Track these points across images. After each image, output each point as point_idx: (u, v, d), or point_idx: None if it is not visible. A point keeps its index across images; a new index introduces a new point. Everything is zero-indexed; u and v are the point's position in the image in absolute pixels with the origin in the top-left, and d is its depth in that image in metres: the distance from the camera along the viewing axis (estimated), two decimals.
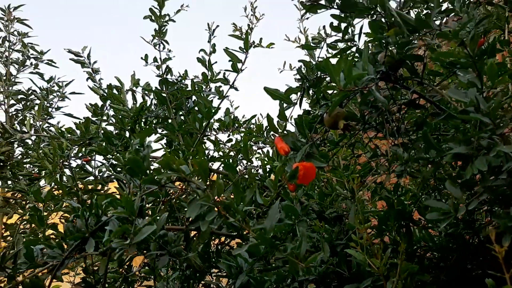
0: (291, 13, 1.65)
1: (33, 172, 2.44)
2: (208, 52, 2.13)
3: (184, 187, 1.17)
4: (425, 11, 1.47)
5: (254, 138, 2.03)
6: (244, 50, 1.48)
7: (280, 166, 1.11)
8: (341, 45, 1.44)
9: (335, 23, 1.38)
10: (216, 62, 2.11)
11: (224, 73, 1.54)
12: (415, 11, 1.47)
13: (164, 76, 1.78)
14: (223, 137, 2.17)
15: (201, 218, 0.91)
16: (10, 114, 3.31)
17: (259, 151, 2.32)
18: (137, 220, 1.02)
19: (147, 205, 1.41)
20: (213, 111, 1.52)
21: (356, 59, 1.52)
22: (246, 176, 1.72)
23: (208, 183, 0.97)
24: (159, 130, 2.24)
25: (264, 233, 0.85)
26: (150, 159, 1.08)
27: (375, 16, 1.30)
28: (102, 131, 2.28)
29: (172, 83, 1.70)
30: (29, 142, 2.75)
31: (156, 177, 1.00)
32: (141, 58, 1.83)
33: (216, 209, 0.88)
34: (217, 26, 2.14)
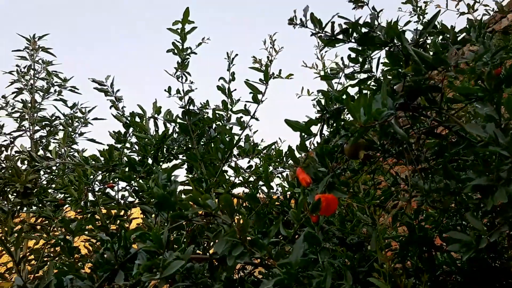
0: (308, 40, 1.69)
1: (58, 198, 2.50)
2: (227, 80, 2.18)
3: (209, 220, 1.21)
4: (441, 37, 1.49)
5: (273, 164, 2.06)
6: (264, 82, 1.52)
7: (302, 198, 1.14)
8: (359, 75, 1.48)
9: (353, 54, 1.41)
10: (235, 89, 2.17)
11: (245, 105, 1.59)
12: (431, 40, 1.49)
13: (187, 107, 1.83)
14: (243, 162, 2.21)
15: (228, 253, 0.94)
16: (35, 140, 3.40)
17: (279, 175, 2.35)
18: (165, 254, 1.05)
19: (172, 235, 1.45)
20: (235, 142, 1.56)
21: (373, 87, 1.55)
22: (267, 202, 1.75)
23: (233, 217, 1.00)
24: (180, 156, 2.29)
25: (290, 268, 0.88)
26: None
27: (392, 48, 1.33)
28: (126, 158, 2.33)
29: (194, 114, 1.75)
30: (54, 168, 2.83)
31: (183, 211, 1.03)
32: (165, 90, 1.89)
33: (242, 245, 0.91)
34: (236, 55, 2.20)
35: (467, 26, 1.49)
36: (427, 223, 1.71)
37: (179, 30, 1.79)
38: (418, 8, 2.43)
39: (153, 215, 1.36)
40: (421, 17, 2.42)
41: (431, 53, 1.26)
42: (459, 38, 1.43)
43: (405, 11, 2.47)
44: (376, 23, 1.47)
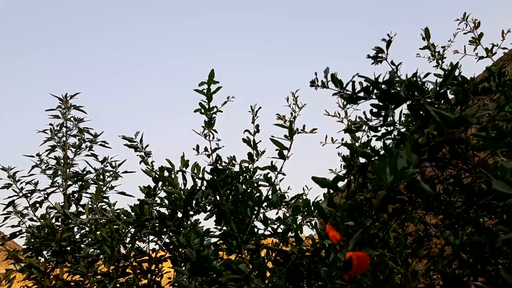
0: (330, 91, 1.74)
1: (92, 254, 2.55)
2: (252, 132, 2.24)
3: (243, 284, 1.22)
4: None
5: (302, 214, 2.08)
6: (289, 138, 1.56)
7: (333, 257, 1.15)
8: (382, 128, 1.50)
9: (375, 109, 1.45)
10: (260, 141, 2.22)
11: (272, 161, 1.63)
12: (451, 91, 1.52)
13: (215, 164, 1.88)
14: (271, 213, 2.23)
15: None
16: (68, 195, 3.50)
17: (308, 223, 2.36)
18: None
19: None
20: (263, 198, 1.59)
21: (397, 137, 1.58)
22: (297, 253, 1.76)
23: (266, 282, 1.02)
24: (209, 207, 2.33)
25: None
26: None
27: (413, 102, 1.36)
28: (156, 213, 2.38)
29: (222, 171, 1.80)
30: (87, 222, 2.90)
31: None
32: (193, 148, 1.95)
33: None
34: (259, 107, 2.27)
35: (487, 75, 1.51)
36: (462, 270, 1.68)
37: (205, 91, 1.87)
38: (437, 53, 2.47)
39: (185, 277, 1.39)
40: (439, 61, 2.46)
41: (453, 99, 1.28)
42: (479, 86, 1.45)
43: (423, 56, 2.51)
44: (396, 76, 1.51)
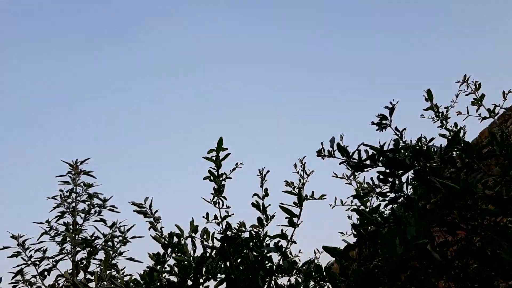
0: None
1: None
2: (261, 196, 2.25)
3: None
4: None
5: (314, 280, 2.04)
6: (299, 205, 1.58)
7: None
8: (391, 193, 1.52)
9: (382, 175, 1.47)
10: (269, 205, 2.23)
11: (282, 229, 1.63)
12: (456, 153, 1.54)
13: (225, 233, 1.89)
14: (283, 279, 2.19)
15: None
16: (76, 262, 3.47)
17: None
18: None
19: None
20: (274, 268, 1.58)
21: (405, 202, 1.58)
22: None
23: None
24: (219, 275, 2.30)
25: None
26: None
27: (419, 168, 1.38)
28: (165, 281, 2.35)
29: (233, 239, 1.80)
30: None
31: None
32: (203, 217, 1.96)
33: None
34: (268, 171, 2.29)
35: (490, 139, 1.54)
36: None
37: (214, 158, 1.91)
38: (440, 114, 2.52)
39: None
40: (444, 121, 2.51)
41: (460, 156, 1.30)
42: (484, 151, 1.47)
43: (427, 117, 2.56)
44: (400, 143, 1.55)
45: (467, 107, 2.58)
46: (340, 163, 1.35)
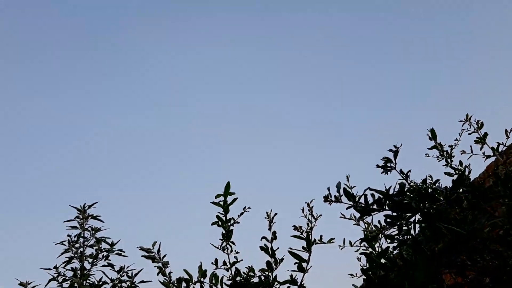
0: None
1: None
2: (269, 239, 2.25)
3: None
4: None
5: None
6: (307, 250, 1.59)
7: None
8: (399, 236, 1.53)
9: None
10: (278, 248, 2.22)
11: (291, 275, 1.63)
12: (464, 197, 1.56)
13: (234, 279, 1.88)
14: None
15: None
16: None
17: None
18: None
19: None
20: None
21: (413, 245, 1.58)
22: None
23: None
24: None
25: None
26: None
27: (426, 210, 1.40)
28: None
29: (242, 285, 1.79)
30: None
31: None
32: (212, 263, 1.96)
33: None
34: (275, 213, 2.30)
35: (494, 180, 1.56)
36: None
37: (221, 203, 1.93)
38: (445, 152, 2.54)
39: None
40: (448, 160, 2.53)
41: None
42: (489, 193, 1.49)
43: (432, 156, 2.59)
44: (406, 186, 1.56)
45: (470, 146, 2.61)
46: (347, 208, 1.37)
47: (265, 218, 2.37)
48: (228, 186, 1.93)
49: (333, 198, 1.38)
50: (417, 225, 1.53)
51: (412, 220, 1.56)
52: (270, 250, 2.23)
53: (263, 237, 2.30)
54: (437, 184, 1.65)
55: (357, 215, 2.41)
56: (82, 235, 3.78)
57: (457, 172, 2.47)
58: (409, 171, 1.63)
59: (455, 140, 2.64)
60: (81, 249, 3.70)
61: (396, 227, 1.48)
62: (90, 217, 3.81)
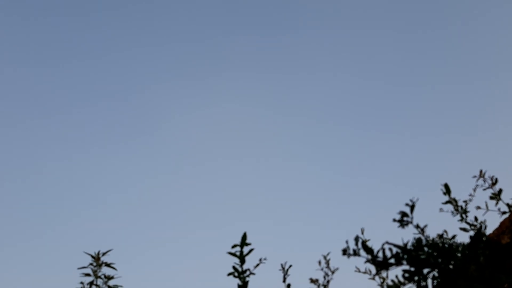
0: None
1: None
2: None
3: None
4: None
5: None
6: None
7: None
8: None
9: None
10: None
11: None
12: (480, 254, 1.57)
13: None
14: None
15: None
16: None
17: None
18: None
19: None
20: None
21: None
22: None
23: None
24: None
25: None
26: None
27: (443, 266, 1.41)
28: None
29: None
30: None
31: None
32: None
33: None
34: (290, 265, 2.31)
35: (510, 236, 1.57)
36: None
37: (238, 253, 1.95)
38: (459, 207, 2.55)
39: None
40: (463, 215, 2.53)
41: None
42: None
43: (446, 211, 2.59)
44: (422, 238, 1.58)
45: (486, 202, 2.61)
46: (365, 262, 1.39)
47: (279, 270, 2.38)
48: (244, 236, 1.96)
49: (351, 252, 1.41)
50: (434, 281, 1.53)
51: (430, 276, 1.56)
52: None
53: None
54: (453, 240, 1.66)
55: (372, 268, 2.40)
56: (95, 282, 3.78)
57: (472, 227, 2.47)
58: (426, 226, 1.65)
59: (469, 195, 2.65)
60: None
61: (413, 282, 1.49)
62: (103, 265, 3.82)
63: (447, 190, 2.60)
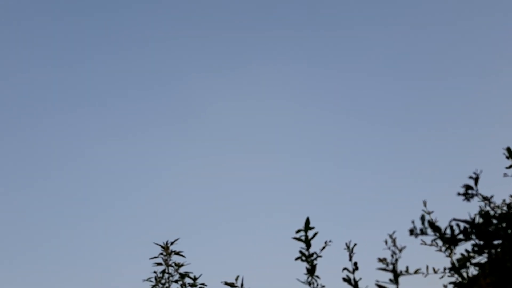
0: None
1: None
2: (351, 269, 2.28)
3: None
4: None
5: None
6: (394, 282, 1.61)
7: None
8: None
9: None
10: (361, 278, 2.25)
11: None
12: None
13: None
14: None
15: None
16: None
17: None
18: None
19: None
20: None
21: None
22: None
23: None
24: None
25: None
26: None
27: None
28: None
29: None
30: None
31: None
32: None
33: None
34: (355, 244, 2.33)
35: None
36: None
37: (303, 238, 2.00)
38: None
39: None
40: None
41: None
42: None
43: (511, 175, 2.51)
44: (489, 210, 1.56)
45: None
46: (433, 240, 1.40)
47: (344, 249, 2.41)
48: (307, 221, 2.01)
49: (418, 231, 1.42)
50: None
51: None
52: (353, 281, 2.26)
53: (345, 268, 2.33)
54: None
55: (439, 242, 2.38)
56: (166, 271, 3.98)
57: None
58: (492, 196, 1.63)
59: None
60: (167, 285, 3.89)
61: (484, 254, 1.48)
62: (173, 253, 4.01)
63: (510, 153, 2.52)
